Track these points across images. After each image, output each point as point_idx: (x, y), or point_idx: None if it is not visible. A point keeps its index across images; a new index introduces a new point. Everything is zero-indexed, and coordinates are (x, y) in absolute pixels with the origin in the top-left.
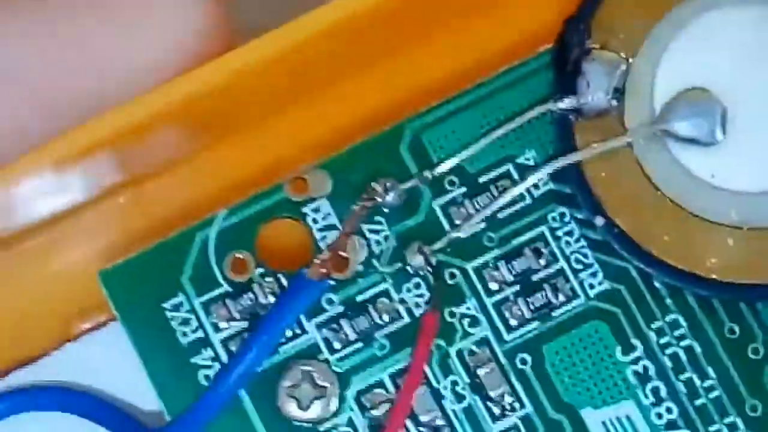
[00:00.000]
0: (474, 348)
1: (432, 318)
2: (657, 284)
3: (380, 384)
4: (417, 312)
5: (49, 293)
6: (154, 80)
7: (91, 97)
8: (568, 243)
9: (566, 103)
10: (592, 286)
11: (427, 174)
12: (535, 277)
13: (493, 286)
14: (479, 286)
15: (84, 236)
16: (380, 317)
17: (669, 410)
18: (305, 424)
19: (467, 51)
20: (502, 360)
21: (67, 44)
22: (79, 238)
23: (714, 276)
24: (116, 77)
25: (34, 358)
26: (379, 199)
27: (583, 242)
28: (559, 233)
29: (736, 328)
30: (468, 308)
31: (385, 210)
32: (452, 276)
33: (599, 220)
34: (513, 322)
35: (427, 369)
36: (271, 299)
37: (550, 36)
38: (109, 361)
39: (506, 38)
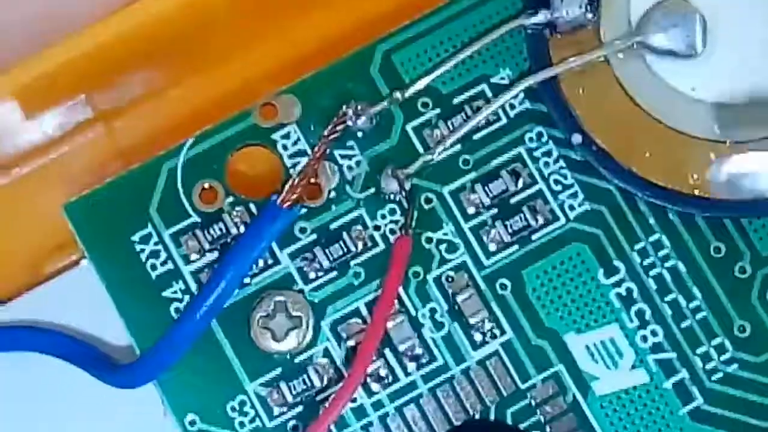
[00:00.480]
0: (452, 274)
1: (404, 242)
2: (639, 204)
3: (356, 313)
4: (392, 239)
5: (19, 232)
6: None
7: (55, 27)
8: (546, 164)
9: (539, 18)
10: (572, 208)
11: (399, 95)
12: (513, 200)
13: (470, 209)
14: (456, 211)
15: (55, 173)
16: (355, 245)
17: (654, 333)
18: (280, 356)
19: None
20: (482, 286)
21: None
22: (49, 175)
23: (697, 192)
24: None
25: (4, 299)
26: (350, 123)
27: (562, 162)
28: (537, 154)
29: (722, 247)
30: (445, 233)
31: (357, 134)
32: (428, 201)
33: (577, 138)
34: (492, 247)
35: (404, 296)
36: (242, 229)
37: None
38: (79, 300)
39: None
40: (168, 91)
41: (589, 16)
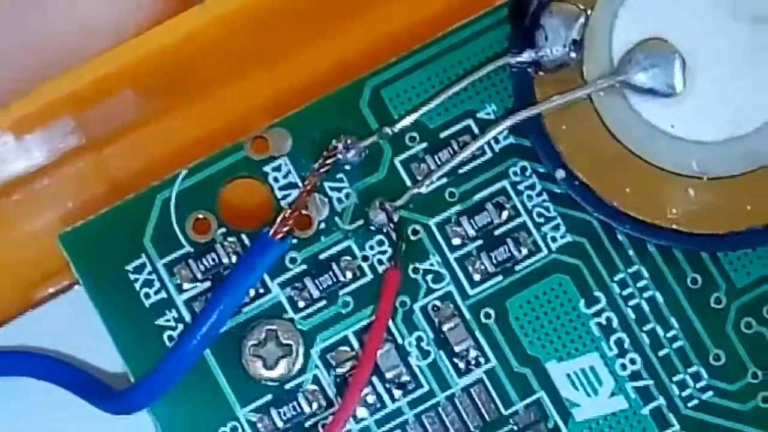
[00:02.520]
0: (438, 303)
1: (394, 274)
2: (619, 236)
3: (345, 341)
4: (380, 269)
5: (11, 258)
6: (113, 39)
7: (51, 57)
8: (529, 197)
9: (525, 57)
10: (554, 240)
11: (388, 130)
12: (497, 232)
13: (456, 241)
14: (442, 242)
15: (45, 200)
16: (344, 275)
17: (633, 361)
18: (271, 383)
19: (425, 6)
20: (467, 315)
21: (26, 4)
22: (40, 202)
23: (675, 226)
24: (75, 36)
25: None
26: (340, 157)
27: (545, 196)
28: (521, 187)
29: (699, 278)
30: (431, 264)
31: (347, 167)
32: (415, 232)
33: (560, 173)
34: (476, 277)
35: (391, 325)
36: (234, 259)
37: None
38: (73, 325)
39: None
40: (160, 122)
41: (573, 55)
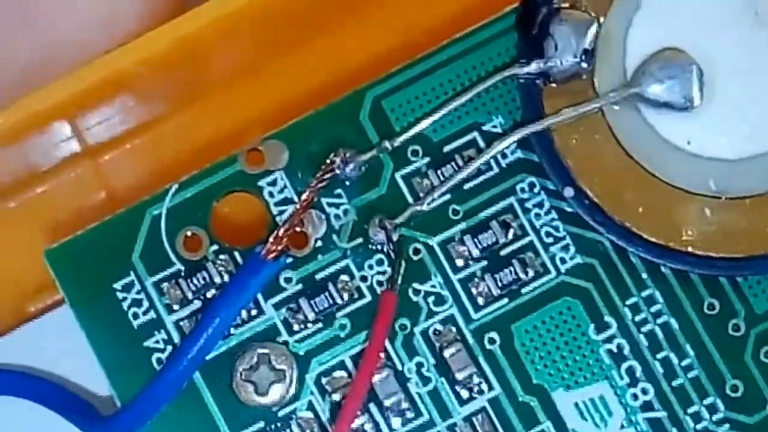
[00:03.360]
0: (440, 327)
1: (390, 298)
2: (632, 258)
3: (342, 366)
4: (380, 290)
5: (4, 269)
6: (103, 43)
7: (42, 62)
8: (537, 215)
9: (533, 68)
10: (563, 261)
11: (388, 144)
12: (503, 252)
13: (459, 261)
14: (445, 262)
15: (41, 209)
16: (341, 296)
17: (645, 391)
18: (263, 409)
19: (429, 12)
20: (470, 340)
21: (15, 9)
22: (35, 210)
23: (691, 249)
24: (66, 41)
25: None
26: (338, 171)
27: (554, 214)
28: (529, 205)
29: (716, 304)
30: (433, 285)
31: (345, 182)
32: (416, 252)
33: (569, 191)
34: (480, 300)
35: (390, 350)
36: (226, 278)
37: None
38: (60, 345)
39: None
40: (158, 129)
41: (584, 66)
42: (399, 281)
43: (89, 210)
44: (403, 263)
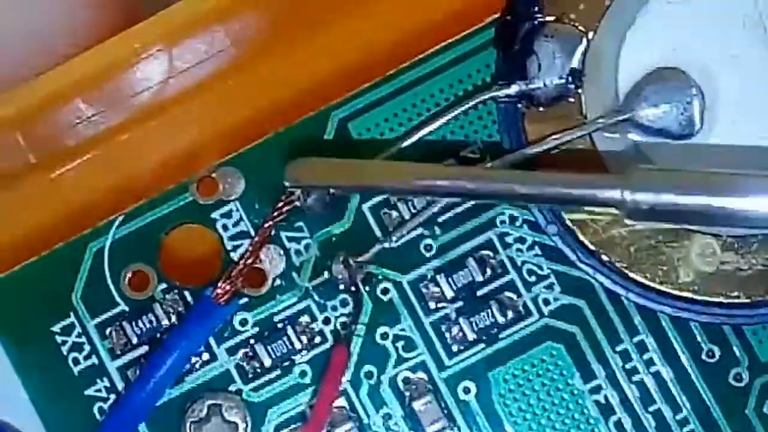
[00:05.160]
0: (410, 375)
1: (340, 352)
2: (623, 299)
3: (300, 418)
4: (345, 334)
5: None
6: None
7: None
8: (519, 251)
9: (514, 90)
10: (547, 302)
11: None
12: (480, 292)
13: (432, 303)
14: (416, 303)
15: None
16: (300, 340)
17: None
18: None
19: (400, 24)
20: (442, 389)
21: None
22: None
23: (689, 294)
24: (16, 47)
25: None
26: (299, 202)
27: (537, 250)
28: (509, 239)
29: (716, 351)
30: (402, 329)
31: (307, 214)
32: (385, 291)
33: (552, 228)
34: (455, 346)
35: (355, 400)
36: (175, 320)
37: (495, 5)
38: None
39: (445, 7)
40: (107, 144)
41: (571, 87)
42: (354, 329)
43: (41, 232)
44: (369, 306)
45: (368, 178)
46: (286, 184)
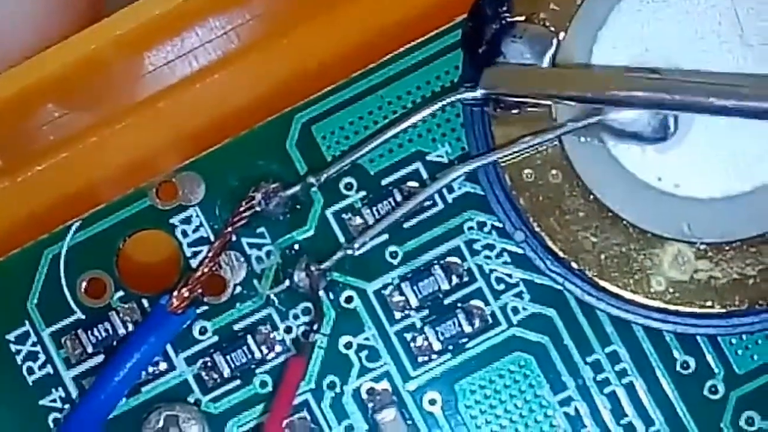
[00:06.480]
0: (374, 386)
1: (296, 364)
2: (595, 309)
3: (261, 429)
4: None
5: None
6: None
7: None
8: (487, 258)
9: (481, 92)
10: (516, 311)
11: (318, 176)
12: (446, 301)
13: (397, 311)
14: (380, 312)
15: None
16: (261, 349)
17: None
18: None
19: (366, 26)
20: (407, 400)
21: None
22: None
23: (661, 304)
24: None
25: None
26: (260, 208)
27: (506, 257)
28: (477, 246)
29: (691, 362)
30: (366, 338)
31: (269, 219)
32: (348, 300)
33: (519, 236)
34: (420, 356)
35: (317, 411)
36: (131, 328)
37: (463, 5)
38: None
39: (411, 8)
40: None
41: None
42: (315, 339)
43: (7, 235)
44: (332, 314)
45: (566, 87)
46: (480, 91)
